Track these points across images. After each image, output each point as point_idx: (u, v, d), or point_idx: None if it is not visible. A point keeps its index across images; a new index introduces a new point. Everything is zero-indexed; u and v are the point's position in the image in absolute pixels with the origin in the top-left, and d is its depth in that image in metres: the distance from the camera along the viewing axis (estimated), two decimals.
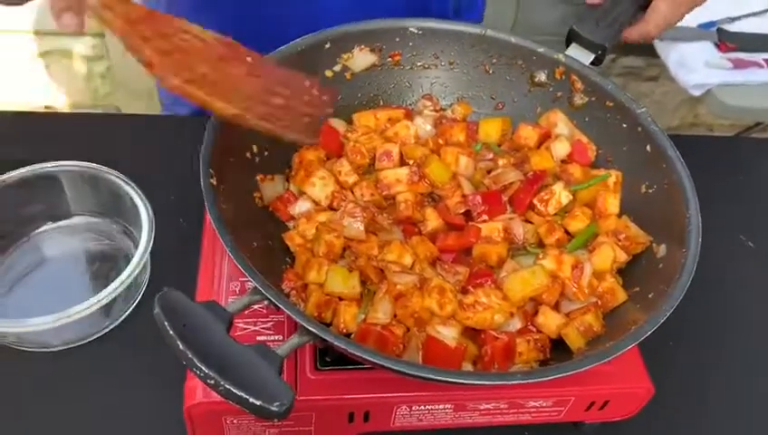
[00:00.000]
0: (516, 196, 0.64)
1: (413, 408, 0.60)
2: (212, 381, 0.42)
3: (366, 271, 0.58)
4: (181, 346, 0.43)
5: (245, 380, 0.42)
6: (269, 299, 0.48)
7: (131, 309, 0.70)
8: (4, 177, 0.71)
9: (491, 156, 0.68)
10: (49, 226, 0.75)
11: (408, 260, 0.58)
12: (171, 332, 0.43)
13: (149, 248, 0.68)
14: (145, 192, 0.71)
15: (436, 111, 0.72)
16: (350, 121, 0.71)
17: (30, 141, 0.84)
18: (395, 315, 0.57)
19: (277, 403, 0.42)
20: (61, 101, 2.02)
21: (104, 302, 0.63)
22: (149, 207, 0.70)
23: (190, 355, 0.42)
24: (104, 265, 0.74)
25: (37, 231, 0.75)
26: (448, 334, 0.55)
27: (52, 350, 0.67)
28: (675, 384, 0.67)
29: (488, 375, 0.51)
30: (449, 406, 0.60)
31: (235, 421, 0.59)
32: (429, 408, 0.60)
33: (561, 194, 0.63)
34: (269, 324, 0.62)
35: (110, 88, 2.00)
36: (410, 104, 0.74)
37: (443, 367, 0.53)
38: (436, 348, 0.54)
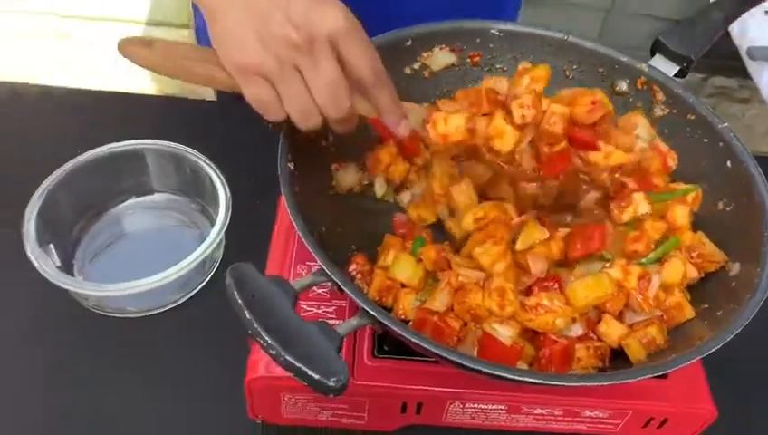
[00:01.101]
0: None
1: (466, 405, 0.60)
2: (273, 352, 0.44)
3: (434, 260, 0.59)
4: (248, 315, 0.45)
5: (305, 353, 0.44)
6: (333, 280, 0.50)
7: (204, 284, 0.74)
8: (96, 151, 0.76)
9: None
10: (133, 200, 0.80)
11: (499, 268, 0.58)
12: (240, 301, 0.45)
13: (225, 228, 0.71)
14: (224, 173, 0.75)
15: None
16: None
17: (121, 121, 0.89)
18: (452, 308, 0.57)
19: (334, 379, 0.43)
20: (153, 87, 2.12)
21: (179, 274, 0.67)
22: (227, 188, 0.73)
23: (255, 325, 0.44)
24: (180, 242, 0.78)
25: (122, 205, 0.79)
26: (505, 333, 0.55)
27: (128, 316, 0.71)
28: (739, 410, 0.65)
29: (544, 375, 0.51)
30: (503, 407, 0.60)
31: (292, 399, 0.61)
32: (483, 407, 0.60)
33: (640, 203, 0.61)
34: (331, 309, 0.63)
35: None
36: None
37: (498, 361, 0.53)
38: (491, 345, 0.55)
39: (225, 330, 0.70)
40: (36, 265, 0.66)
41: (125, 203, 0.79)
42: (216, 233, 0.70)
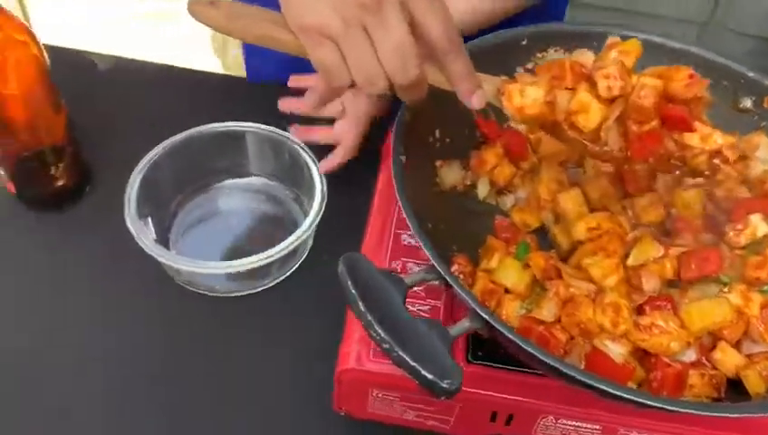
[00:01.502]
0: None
1: (559, 421, 0.58)
2: (387, 346, 0.43)
3: (543, 268, 0.57)
4: (362, 307, 0.44)
5: (419, 352, 0.43)
6: (446, 280, 0.48)
7: (289, 273, 0.74)
8: (199, 128, 0.76)
9: None
10: (230, 181, 0.80)
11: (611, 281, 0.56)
12: (353, 291, 0.44)
13: (318, 218, 0.70)
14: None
15: None
16: None
17: (220, 102, 0.90)
18: (559, 320, 0.55)
19: (448, 381, 0.42)
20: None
21: (270, 260, 0.67)
22: (324, 181, 0.72)
23: (369, 317, 0.43)
24: (271, 227, 0.78)
25: (218, 184, 0.80)
26: (617, 351, 0.52)
27: (214, 295, 0.72)
28: None
29: (662, 399, 0.48)
30: (598, 427, 0.58)
31: (380, 395, 0.60)
32: (577, 425, 0.58)
33: (758, 225, 0.58)
34: (426, 308, 0.62)
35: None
36: None
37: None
38: (601, 362, 0.52)
39: (312, 316, 0.70)
40: (135, 235, 0.67)
41: (222, 183, 0.80)
42: (308, 224, 0.69)
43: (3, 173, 0.75)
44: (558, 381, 0.50)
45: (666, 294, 0.56)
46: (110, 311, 0.70)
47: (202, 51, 1.96)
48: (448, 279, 0.47)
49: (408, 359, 0.42)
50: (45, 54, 0.69)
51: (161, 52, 1.08)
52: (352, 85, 0.50)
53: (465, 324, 0.47)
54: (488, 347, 0.56)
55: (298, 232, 0.69)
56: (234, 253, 0.72)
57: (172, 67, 0.95)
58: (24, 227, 0.76)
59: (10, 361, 0.66)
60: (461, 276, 0.59)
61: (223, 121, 0.77)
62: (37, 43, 0.68)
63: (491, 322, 0.45)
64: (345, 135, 0.76)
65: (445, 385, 0.41)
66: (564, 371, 0.44)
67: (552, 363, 0.45)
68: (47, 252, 0.74)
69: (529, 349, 0.45)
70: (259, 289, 0.72)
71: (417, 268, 0.50)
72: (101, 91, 0.89)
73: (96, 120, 0.83)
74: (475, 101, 0.53)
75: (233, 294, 0.72)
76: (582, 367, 0.53)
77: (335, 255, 0.47)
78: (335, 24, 0.47)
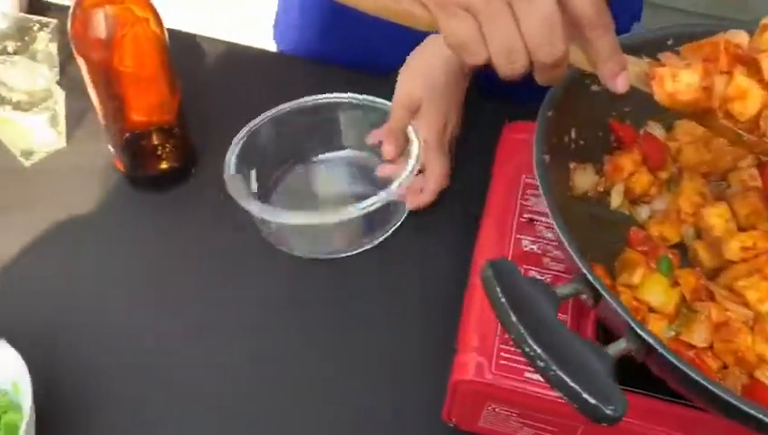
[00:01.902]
0: None
1: None
2: (542, 364, 0.39)
3: (694, 287, 0.52)
4: (513, 318, 0.40)
5: (577, 372, 0.38)
6: (601, 295, 0.44)
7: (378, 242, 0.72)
8: (299, 101, 0.75)
9: None
10: (328, 154, 0.80)
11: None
12: (503, 299, 0.41)
13: (411, 177, 0.68)
14: None
15: None
16: (669, 128, 0.65)
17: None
18: (711, 346, 0.50)
19: (612, 407, 0.37)
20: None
21: (360, 213, 0.65)
22: (420, 139, 0.70)
23: (522, 330, 0.39)
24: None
25: (314, 158, 0.79)
26: None
27: (304, 256, 0.71)
28: None
29: None
30: None
31: (495, 409, 0.56)
32: None
33: None
34: None
35: None
36: None
37: None
38: (761, 395, 0.47)
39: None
40: (231, 189, 0.67)
41: (318, 157, 0.79)
42: (403, 178, 0.67)
43: (112, 150, 0.74)
44: (711, 415, 0.45)
45: None
46: (218, 287, 0.69)
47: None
48: (604, 294, 0.43)
49: (567, 380, 0.38)
50: (166, 33, 0.68)
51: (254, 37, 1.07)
52: (484, 65, 0.46)
53: (621, 345, 0.43)
54: (641, 372, 0.52)
55: (394, 184, 0.67)
56: None
57: (268, 52, 0.94)
58: (131, 204, 0.76)
59: (124, 332, 0.66)
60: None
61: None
62: (159, 19, 0.67)
63: (654, 345, 0.41)
64: (431, 164, 0.73)
65: (609, 412, 0.37)
66: (733, 402, 0.40)
67: (720, 394, 0.40)
68: (154, 231, 0.73)
69: (692, 374, 0.40)
70: (348, 253, 0.71)
71: (568, 280, 0.46)
72: (206, 74, 0.88)
73: (201, 102, 0.81)
74: (620, 84, 0.49)
75: (334, 256, 0.71)
76: None
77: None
78: None
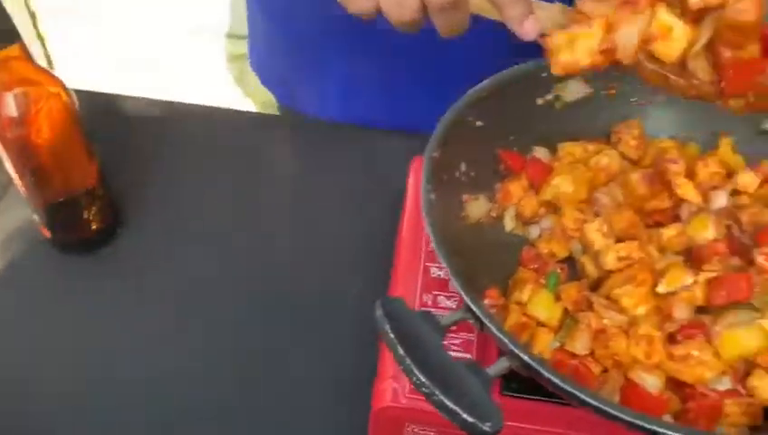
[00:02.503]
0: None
1: None
2: (427, 390, 0.43)
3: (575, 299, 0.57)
4: (401, 351, 0.45)
5: (459, 395, 0.43)
6: (480, 320, 0.49)
7: None
8: None
9: None
10: None
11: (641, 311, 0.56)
12: (392, 335, 0.45)
13: None
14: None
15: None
16: (553, 151, 0.71)
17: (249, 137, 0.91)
18: (592, 352, 0.56)
19: (489, 423, 0.42)
20: (246, 103, 2.19)
21: None
22: None
23: (408, 362, 0.44)
24: None
25: None
26: (651, 382, 0.53)
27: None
28: None
29: (702, 433, 0.48)
30: None
31: (414, 430, 0.61)
32: None
33: None
34: (458, 341, 0.62)
35: None
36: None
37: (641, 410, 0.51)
38: (636, 394, 0.53)
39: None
40: None
41: None
42: None
43: (37, 218, 0.77)
44: (593, 415, 0.51)
45: (698, 322, 0.57)
46: (142, 349, 0.72)
47: (217, 86, 2.00)
48: (485, 321, 0.48)
49: (448, 403, 0.43)
50: (76, 103, 0.71)
51: (176, 90, 1.10)
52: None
53: (503, 364, 0.48)
54: (523, 380, 0.57)
55: None
56: None
57: (190, 105, 0.97)
58: (58, 269, 0.78)
59: (53, 403, 0.68)
60: (494, 310, 0.59)
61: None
62: (68, 92, 0.70)
63: (530, 362, 0.46)
64: None
65: (486, 428, 0.42)
66: (606, 409, 0.45)
67: (593, 402, 0.45)
68: (81, 293, 0.76)
69: (568, 388, 0.45)
70: None
71: (447, 306, 0.51)
72: (125, 132, 0.92)
73: (122, 161, 0.85)
74: (528, 30, 0.46)
75: None
76: (617, 399, 0.53)
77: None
78: None
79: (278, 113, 1.09)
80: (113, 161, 0.80)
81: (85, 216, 0.78)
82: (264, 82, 1.03)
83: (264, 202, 0.84)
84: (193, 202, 0.84)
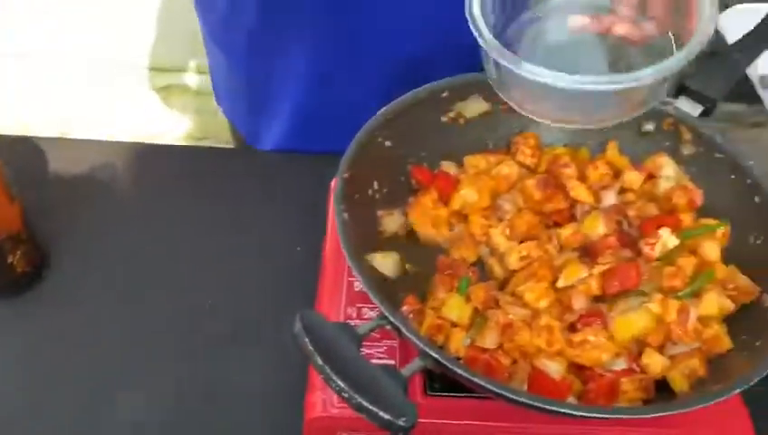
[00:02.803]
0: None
1: None
2: (346, 395, 0.47)
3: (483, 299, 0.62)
4: (320, 361, 0.48)
5: (376, 395, 0.47)
6: (395, 326, 0.53)
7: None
8: None
9: None
10: None
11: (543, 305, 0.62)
12: (311, 347, 0.49)
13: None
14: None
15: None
16: (460, 164, 0.76)
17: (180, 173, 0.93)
18: (501, 346, 0.60)
19: (404, 418, 0.46)
20: (173, 133, 2.19)
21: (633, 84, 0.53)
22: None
23: (328, 370, 0.48)
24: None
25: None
26: (554, 368, 0.58)
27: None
28: None
29: (595, 408, 0.54)
30: None
31: None
32: None
33: (667, 238, 0.65)
34: (382, 349, 0.66)
35: (221, 123, 2.16)
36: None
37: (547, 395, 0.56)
38: (542, 381, 0.58)
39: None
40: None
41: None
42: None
43: None
44: (506, 404, 0.55)
45: (595, 310, 0.62)
46: (67, 391, 0.72)
47: (141, 121, 1.99)
48: (396, 323, 0.52)
49: (365, 404, 0.46)
50: None
51: (101, 127, 1.11)
52: None
53: (416, 364, 0.52)
54: (444, 379, 0.61)
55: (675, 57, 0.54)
56: None
57: (115, 142, 0.98)
58: None
59: None
60: (411, 316, 0.64)
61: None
62: None
63: (438, 358, 0.50)
64: None
65: (401, 423, 0.46)
66: (508, 395, 0.50)
67: (496, 390, 0.50)
68: (11, 336, 0.76)
69: (475, 380, 0.50)
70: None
71: (370, 316, 0.55)
72: (49, 173, 0.92)
73: (46, 202, 0.85)
74: None
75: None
76: (526, 387, 0.58)
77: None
78: None
79: (231, 145, 1.13)
80: (41, 204, 0.81)
81: (9, 260, 0.78)
82: (227, 114, 1.08)
83: (193, 236, 0.86)
84: (118, 243, 0.85)
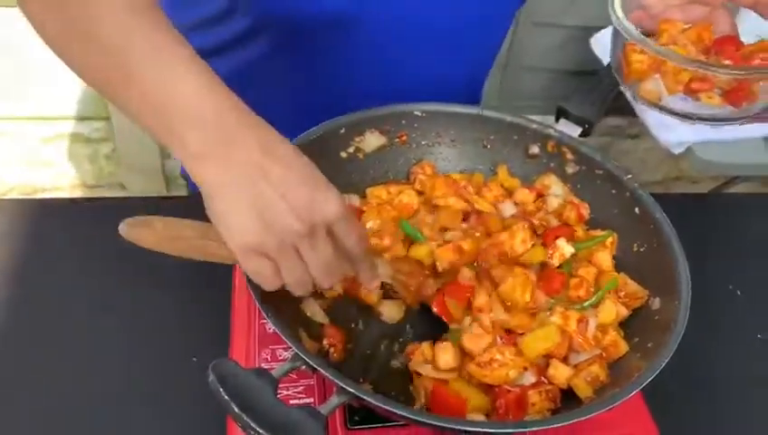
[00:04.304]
0: None
1: None
2: None
3: None
4: (236, 410, 0.48)
5: None
6: (309, 364, 0.53)
7: None
8: None
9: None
10: None
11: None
12: (226, 397, 0.49)
13: None
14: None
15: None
16: (363, 196, 0.78)
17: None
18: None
19: None
20: (66, 182, 2.10)
21: None
22: None
23: (245, 418, 0.48)
24: None
25: None
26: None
27: None
28: (680, 426, 0.72)
29: (502, 423, 0.56)
30: None
31: None
32: None
33: (563, 247, 0.69)
34: (300, 388, 0.67)
35: (114, 168, 2.09)
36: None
37: (449, 415, 0.59)
38: (440, 397, 0.60)
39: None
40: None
41: None
42: None
43: None
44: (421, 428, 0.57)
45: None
46: None
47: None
48: (310, 363, 0.53)
49: None
50: None
51: None
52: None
53: (333, 401, 0.53)
54: (364, 412, 0.62)
55: None
56: None
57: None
58: None
59: None
60: (332, 349, 0.64)
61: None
62: None
63: (354, 392, 0.51)
64: None
65: None
66: (417, 419, 0.52)
67: (409, 416, 0.52)
68: None
69: (387, 407, 0.51)
70: None
71: (285, 357, 0.55)
72: None
73: None
74: (373, 287, 0.66)
75: None
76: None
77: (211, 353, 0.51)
78: (270, 245, 0.52)
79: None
80: None
81: None
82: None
83: (92, 291, 0.83)
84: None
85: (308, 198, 0.51)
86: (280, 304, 0.63)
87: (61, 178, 2.10)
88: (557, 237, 0.71)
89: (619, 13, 0.61)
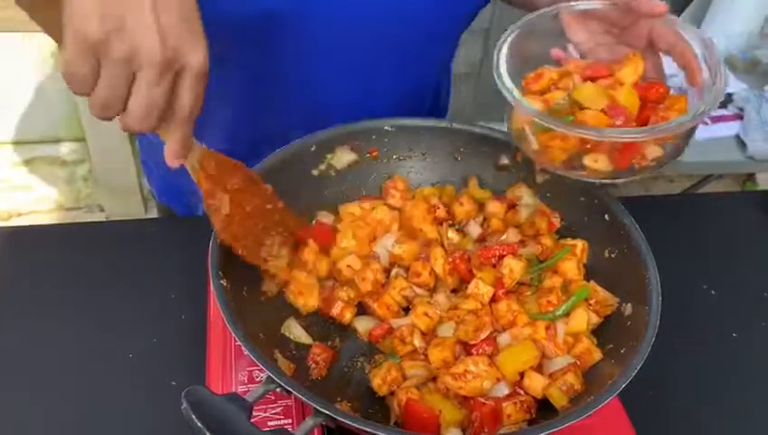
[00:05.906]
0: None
1: None
2: None
3: None
4: None
5: None
6: (282, 387, 0.53)
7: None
8: None
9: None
10: None
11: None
12: (199, 424, 0.48)
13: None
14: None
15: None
16: (336, 213, 0.78)
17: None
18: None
19: None
20: (43, 206, 2.09)
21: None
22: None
23: None
24: None
25: None
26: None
27: None
28: (659, 429, 0.73)
29: None
30: None
31: None
32: None
33: (513, 265, 0.69)
34: (278, 410, 0.66)
35: (91, 189, 2.08)
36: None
37: (423, 429, 0.59)
38: (413, 412, 0.60)
39: None
40: None
41: None
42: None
43: None
44: None
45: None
46: None
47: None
48: (284, 385, 0.53)
49: None
50: None
51: None
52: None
53: (308, 423, 0.53)
54: (341, 431, 0.62)
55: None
56: None
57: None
58: None
59: None
60: (313, 365, 0.66)
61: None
62: None
63: (329, 413, 0.51)
64: None
65: None
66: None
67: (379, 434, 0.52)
68: None
69: (358, 426, 0.51)
70: None
71: (261, 379, 0.55)
72: None
73: None
74: (173, 163, 0.57)
75: None
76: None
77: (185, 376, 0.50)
78: (114, 51, 0.47)
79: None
80: None
81: None
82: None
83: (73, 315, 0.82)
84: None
85: (180, 35, 0.48)
86: (255, 325, 0.64)
87: (38, 203, 2.08)
88: (502, 257, 0.70)
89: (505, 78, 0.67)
